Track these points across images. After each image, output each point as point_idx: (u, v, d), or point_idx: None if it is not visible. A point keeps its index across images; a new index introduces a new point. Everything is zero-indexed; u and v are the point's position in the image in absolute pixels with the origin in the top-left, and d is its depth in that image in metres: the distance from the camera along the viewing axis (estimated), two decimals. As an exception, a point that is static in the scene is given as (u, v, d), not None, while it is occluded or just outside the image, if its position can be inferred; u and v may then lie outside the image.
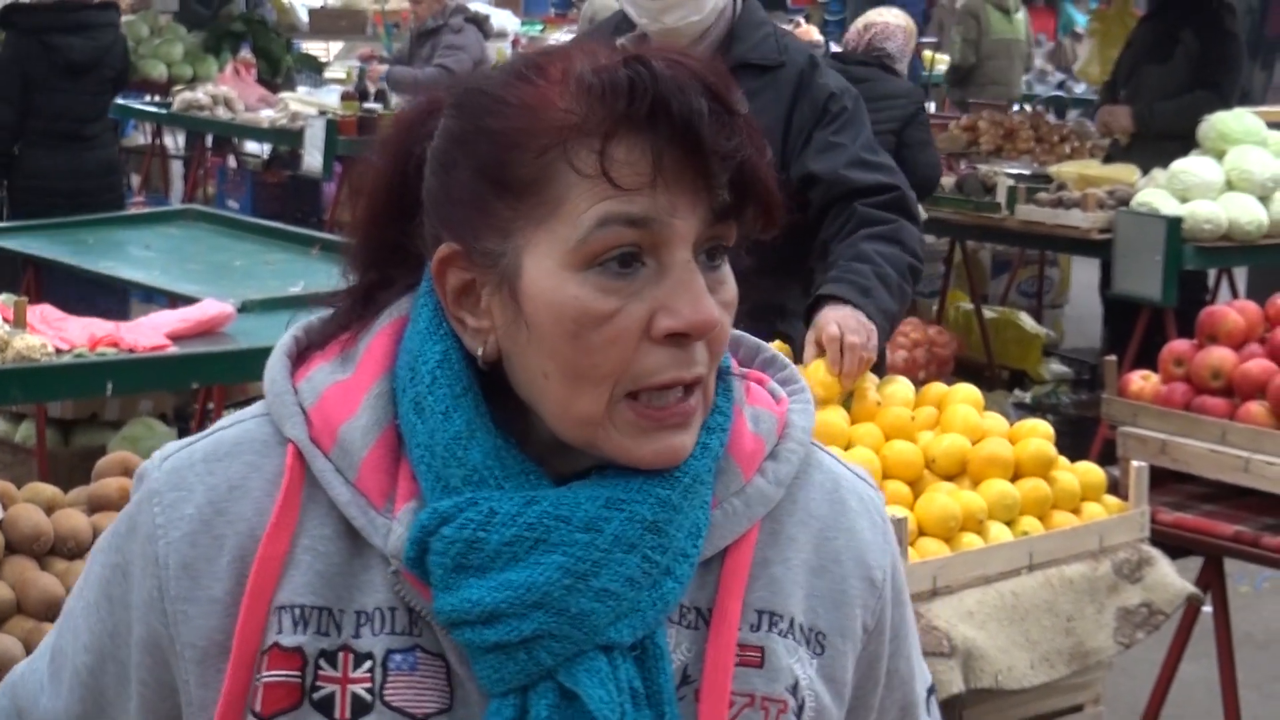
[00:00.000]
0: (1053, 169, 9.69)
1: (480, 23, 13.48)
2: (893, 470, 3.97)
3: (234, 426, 1.69)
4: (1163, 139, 9.50)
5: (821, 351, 4.03)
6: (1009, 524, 3.98)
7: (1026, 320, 10.78)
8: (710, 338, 1.58)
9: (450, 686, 1.61)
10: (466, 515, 1.55)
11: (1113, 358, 5.25)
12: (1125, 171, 9.18)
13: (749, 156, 1.56)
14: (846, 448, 3.95)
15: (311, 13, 19.68)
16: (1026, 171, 9.88)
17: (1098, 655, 3.97)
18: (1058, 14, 24.56)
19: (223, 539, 1.63)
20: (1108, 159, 9.99)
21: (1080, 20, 21.68)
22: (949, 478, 4.03)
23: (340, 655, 1.61)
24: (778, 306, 4.51)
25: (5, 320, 5.67)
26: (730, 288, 1.61)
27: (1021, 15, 15.12)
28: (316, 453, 1.63)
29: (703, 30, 4.42)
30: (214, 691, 1.62)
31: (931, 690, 1.90)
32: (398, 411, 1.63)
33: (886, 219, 4.30)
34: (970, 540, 3.89)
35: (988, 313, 10.62)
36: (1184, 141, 9.07)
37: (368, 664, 1.60)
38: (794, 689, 1.69)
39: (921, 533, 3.86)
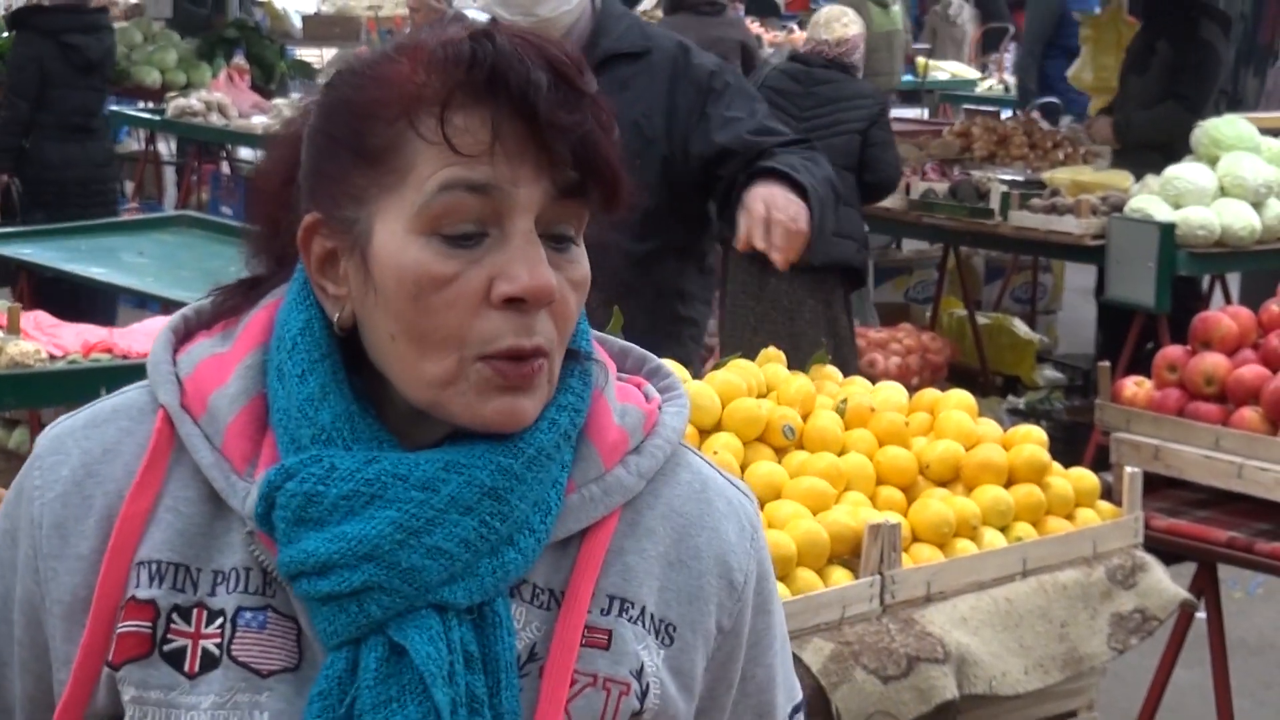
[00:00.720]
0: (1046, 175, 9.70)
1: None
2: (886, 476, 3.97)
3: (117, 396, 1.77)
4: (1143, 149, 9.57)
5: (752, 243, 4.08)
6: (1003, 530, 3.98)
7: (1020, 326, 10.78)
8: (555, 314, 1.64)
9: (300, 647, 1.67)
10: (308, 470, 1.62)
11: (1106, 364, 5.26)
12: (1119, 177, 9.20)
13: (591, 133, 1.61)
14: (840, 453, 3.95)
15: (305, 19, 19.70)
16: (1020, 178, 9.88)
17: (1091, 661, 3.97)
18: (1051, 20, 24.54)
19: (91, 499, 1.70)
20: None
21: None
22: (943, 484, 4.03)
23: (195, 611, 1.67)
24: (677, 290, 4.56)
25: (-1, 326, 5.67)
26: (580, 268, 1.66)
27: (897, 8, 15.93)
28: (185, 417, 1.70)
29: (571, 23, 4.48)
30: (75, 646, 1.68)
31: (799, 708, 1.93)
32: (266, 382, 1.70)
33: (802, 151, 4.35)
34: (964, 546, 3.89)
35: (981, 319, 10.62)
36: (1164, 151, 9.15)
37: (219, 620, 1.66)
38: (639, 674, 1.73)
39: (915, 539, 3.86)
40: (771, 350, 4.34)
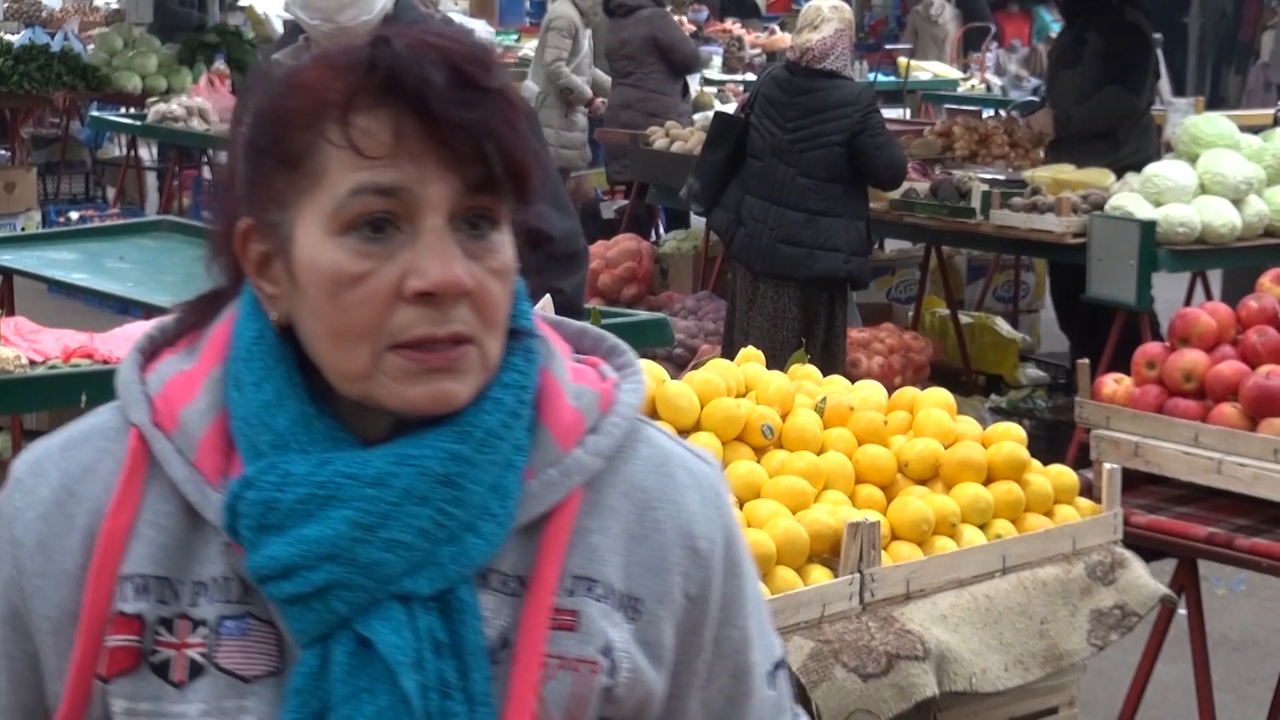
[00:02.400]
0: (1027, 174, 9.70)
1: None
2: (866, 474, 3.98)
3: (90, 418, 1.81)
4: (1087, 139, 9.67)
5: None
6: (982, 527, 3.99)
7: (1002, 325, 10.79)
8: (477, 302, 1.67)
9: (281, 650, 1.71)
10: (265, 478, 1.67)
11: (1085, 361, 5.26)
12: (1099, 175, 9.21)
13: (494, 129, 1.66)
14: (819, 452, 3.96)
15: (286, 24, 19.67)
16: (1001, 176, 9.89)
17: (1072, 657, 3.98)
18: (1032, 19, 24.61)
19: (73, 517, 1.74)
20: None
21: (1054, 26, 21.72)
22: (922, 482, 4.05)
23: (178, 622, 1.71)
24: None
25: (-21, 333, 5.66)
26: (500, 256, 1.70)
27: None
28: (158, 434, 1.74)
29: (370, 30, 4.49)
30: (66, 660, 1.73)
31: (780, 664, 1.95)
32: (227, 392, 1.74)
33: None
34: (943, 544, 3.90)
35: (963, 318, 10.63)
36: (1107, 139, 9.33)
37: (202, 630, 1.71)
38: (607, 651, 1.76)
39: (895, 537, 3.87)
40: (750, 350, 4.35)
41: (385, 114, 1.64)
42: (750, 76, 16.96)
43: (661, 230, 13.70)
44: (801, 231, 8.19)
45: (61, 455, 1.78)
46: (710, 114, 11.29)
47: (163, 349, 1.83)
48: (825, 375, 4.45)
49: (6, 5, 23.45)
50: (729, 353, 7.97)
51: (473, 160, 1.66)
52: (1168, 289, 9.71)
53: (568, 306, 4.17)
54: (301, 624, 1.67)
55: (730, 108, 11.47)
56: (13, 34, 15.36)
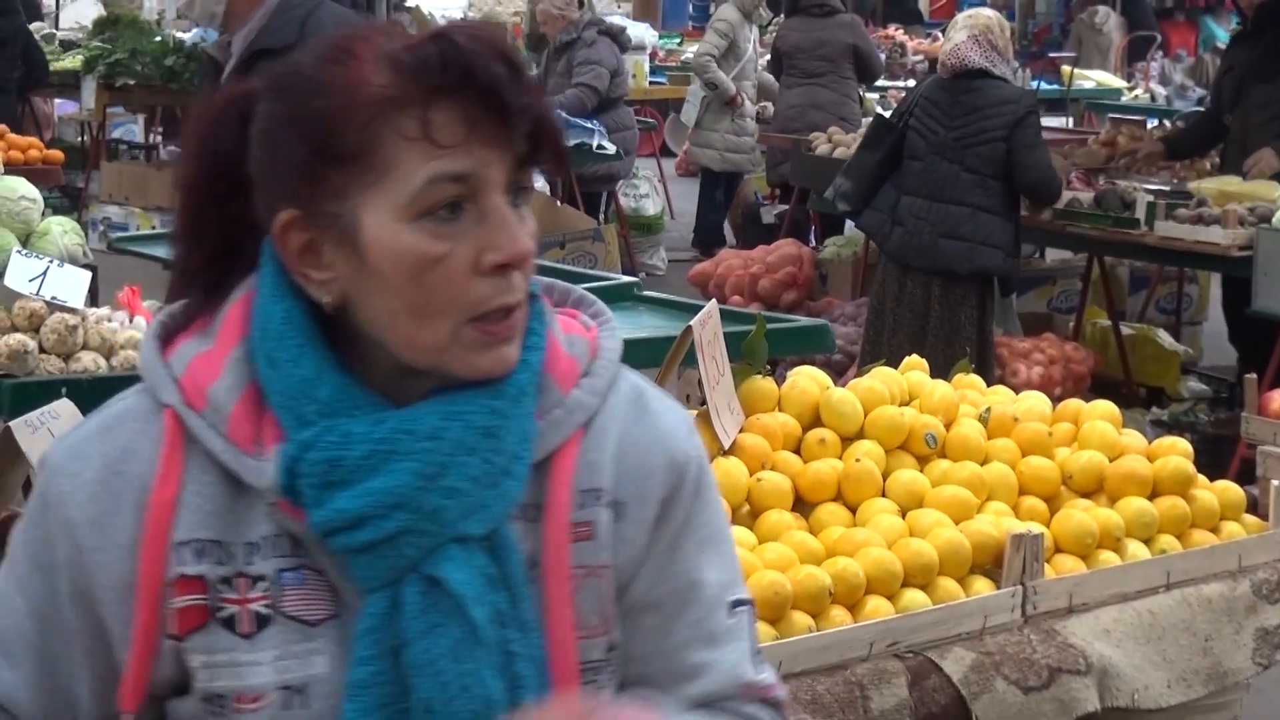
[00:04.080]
0: (1192, 185, 9.59)
1: (615, 35, 13.51)
2: (1029, 486, 3.96)
3: (118, 404, 1.95)
4: None
5: None
6: (1147, 542, 3.96)
7: (1164, 337, 10.67)
8: (525, 267, 1.86)
9: (334, 596, 1.87)
10: (326, 440, 1.82)
11: (1253, 376, 5.20)
12: (1266, 188, 9.07)
13: (541, 111, 1.85)
14: (983, 462, 3.94)
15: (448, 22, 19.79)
16: (1166, 187, 9.79)
17: (1235, 676, 3.94)
18: (1198, 29, 24.33)
19: (120, 494, 1.87)
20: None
21: (1221, 35, 21.47)
22: (1086, 494, 4.02)
23: (236, 580, 1.86)
24: None
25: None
26: (531, 222, 1.88)
27: None
28: (190, 412, 1.88)
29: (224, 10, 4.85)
30: (129, 626, 1.87)
31: (742, 603, 2.05)
32: (256, 370, 1.88)
33: None
34: (1107, 558, 3.87)
35: (1125, 329, 10.52)
36: None
37: (262, 584, 1.86)
38: (612, 553, 1.96)
39: (1058, 549, 3.85)
40: (914, 358, 4.34)
41: (458, 107, 1.79)
42: (912, 83, 16.92)
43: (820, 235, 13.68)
44: (964, 226, 8.23)
45: (100, 439, 1.91)
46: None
47: (176, 334, 1.95)
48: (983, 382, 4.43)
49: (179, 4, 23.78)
50: (874, 350, 7.98)
51: (524, 140, 1.84)
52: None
53: None
54: (370, 570, 1.84)
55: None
56: (184, 32, 15.54)
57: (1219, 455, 8.15)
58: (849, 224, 11.11)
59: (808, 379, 3.98)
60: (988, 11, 9.08)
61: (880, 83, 16.93)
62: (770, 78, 14.03)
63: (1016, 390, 4.45)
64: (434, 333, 1.83)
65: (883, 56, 19.45)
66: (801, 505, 3.77)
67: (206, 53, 4.79)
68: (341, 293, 1.86)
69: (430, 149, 1.79)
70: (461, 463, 1.84)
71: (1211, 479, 4.22)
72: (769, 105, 13.97)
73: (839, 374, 6.99)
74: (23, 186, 6.60)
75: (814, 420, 3.92)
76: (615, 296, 5.76)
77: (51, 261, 5.26)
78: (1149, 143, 10.52)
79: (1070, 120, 17.18)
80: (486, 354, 1.85)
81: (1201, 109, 12.57)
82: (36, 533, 1.92)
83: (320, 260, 1.86)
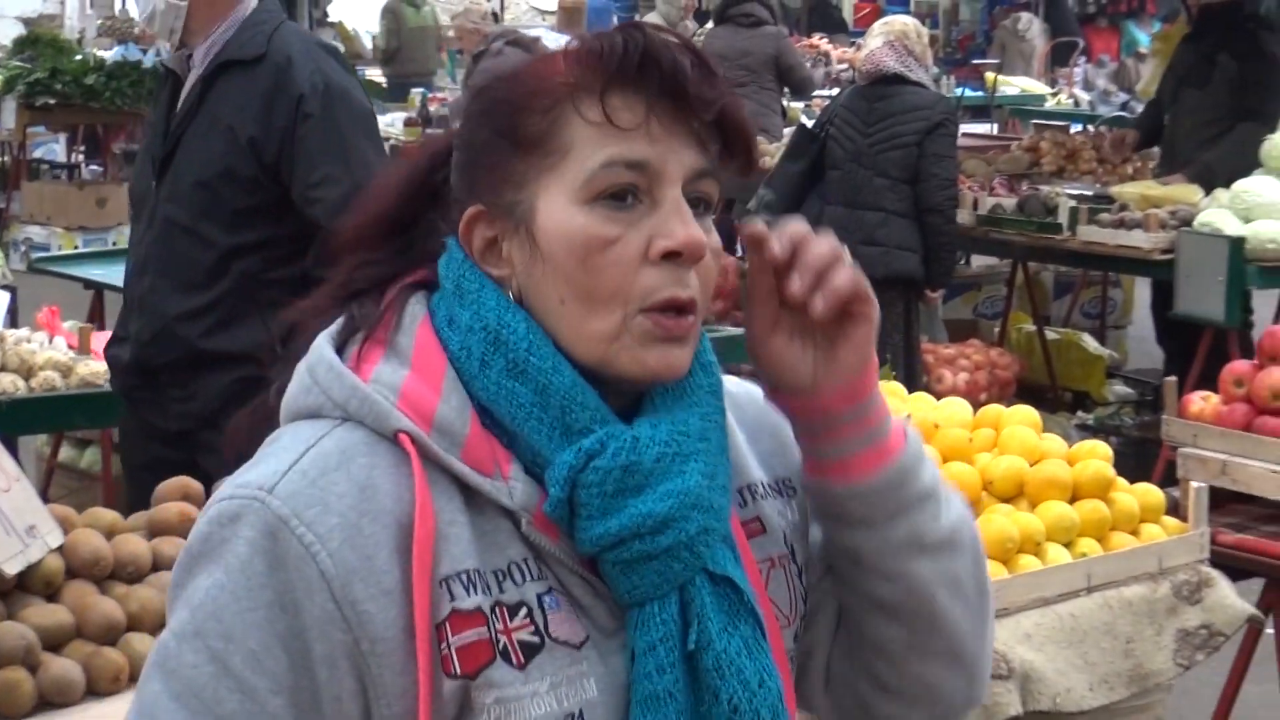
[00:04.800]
0: (1115, 189, 9.65)
1: (525, 46, 13.45)
2: (950, 492, 3.97)
3: (323, 440, 1.78)
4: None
5: None
6: (1067, 545, 3.98)
7: (1089, 341, 10.73)
8: (701, 270, 1.80)
9: (583, 615, 1.81)
10: (615, 445, 1.76)
11: (1173, 379, 5.24)
12: (1187, 192, 9.14)
13: (728, 105, 1.80)
14: (903, 470, 3.94)
15: (374, 38, 19.80)
16: (1089, 192, 9.84)
17: (1157, 677, 3.96)
18: (1120, 34, 24.47)
19: (375, 536, 1.74)
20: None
21: (1143, 40, 21.59)
22: (1007, 499, 4.03)
23: (497, 610, 1.77)
24: (262, 280, 4.61)
25: (70, 347, 5.72)
26: (714, 237, 1.82)
27: (428, 8, 19.13)
28: (426, 437, 1.77)
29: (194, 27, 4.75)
30: (410, 676, 1.73)
31: None
32: (473, 389, 1.80)
33: None
34: (1028, 562, 3.89)
35: (1050, 334, 10.58)
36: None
37: (523, 611, 1.78)
38: (785, 540, 1.98)
39: (979, 555, 3.85)
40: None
41: (639, 93, 1.77)
42: (837, 91, 16.97)
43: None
44: (878, 231, 8.24)
45: (328, 482, 1.75)
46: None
47: (358, 363, 1.83)
48: (904, 389, 4.45)
49: (100, 22, 23.69)
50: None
51: (710, 136, 1.80)
52: (1257, 306, 9.62)
53: None
54: (657, 577, 1.79)
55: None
56: (106, 50, 15.48)
57: (1144, 458, 8.20)
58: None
59: (728, 389, 3.98)
60: (904, 18, 9.19)
61: (803, 91, 16.99)
62: None
63: (940, 397, 4.46)
64: (604, 321, 1.77)
65: (809, 66, 19.56)
66: (723, 515, 3.76)
67: (164, 66, 4.83)
68: (518, 287, 1.82)
69: (610, 132, 1.77)
70: (721, 462, 1.83)
71: (1137, 482, 4.24)
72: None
73: (764, 383, 6.99)
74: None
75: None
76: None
77: (-30, 283, 5.23)
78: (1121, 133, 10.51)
79: (994, 127, 17.22)
80: (655, 350, 1.78)
81: (1127, 114, 12.60)
82: (268, 595, 1.72)
83: (499, 257, 1.83)
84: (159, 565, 3.42)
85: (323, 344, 1.84)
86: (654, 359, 1.78)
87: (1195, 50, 9.98)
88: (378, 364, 1.81)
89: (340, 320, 1.87)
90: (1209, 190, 9.05)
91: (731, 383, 1.98)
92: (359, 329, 1.85)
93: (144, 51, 17.12)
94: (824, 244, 1.84)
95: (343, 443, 1.77)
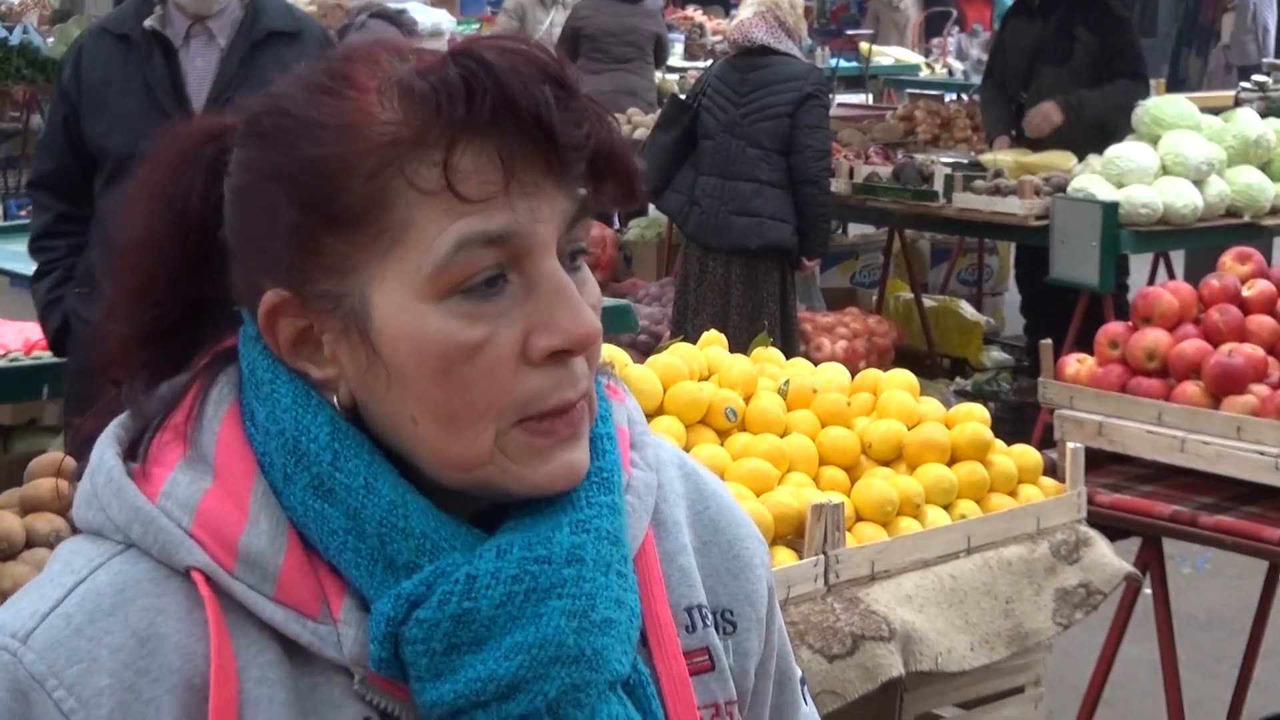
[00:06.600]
0: (987, 157, 9.72)
1: (391, 17, 13.34)
2: (829, 456, 3.98)
3: (96, 573, 1.41)
4: (1088, 129, 9.50)
5: None
6: (946, 508, 3.99)
7: (966, 308, 10.82)
8: (592, 348, 1.44)
9: None
10: (442, 589, 1.38)
11: (1048, 342, 5.26)
12: (1061, 158, 9.22)
13: (601, 138, 1.40)
14: (783, 434, 3.95)
15: None
16: (963, 160, 9.90)
17: (1037, 637, 3.99)
18: (993, 4, 24.63)
19: (155, 700, 1.37)
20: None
21: (1015, 10, 21.74)
22: (885, 463, 4.04)
23: None
24: None
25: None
26: (594, 287, 1.45)
27: None
28: (226, 576, 1.40)
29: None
30: None
31: (804, 681, 1.78)
32: (285, 506, 1.42)
33: None
34: (908, 525, 3.90)
35: (928, 301, 10.65)
36: (1102, 130, 9.21)
37: None
38: (736, 680, 1.61)
39: (859, 518, 3.87)
40: (712, 333, 4.35)
41: (492, 147, 1.36)
42: (710, 63, 16.99)
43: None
44: (752, 201, 8.25)
45: (100, 629, 1.38)
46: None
47: (146, 467, 1.45)
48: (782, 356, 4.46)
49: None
50: (679, 331, 7.99)
51: (580, 180, 1.41)
52: (1130, 270, 9.72)
53: None
54: None
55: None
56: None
57: (1022, 423, 8.30)
58: (652, 205, 11.14)
59: (607, 358, 3.97)
60: None
61: (679, 63, 16.99)
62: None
63: (819, 364, 4.47)
64: (471, 444, 1.39)
65: (680, 37, 19.57)
66: (603, 483, 3.75)
67: (150, 29, 4.66)
68: (349, 393, 1.42)
69: (457, 204, 1.35)
70: (604, 585, 1.41)
71: (1014, 445, 4.27)
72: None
73: (645, 354, 6.98)
74: None
75: (614, 398, 3.90)
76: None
77: None
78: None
79: (869, 97, 17.31)
80: (544, 464, 1.41)
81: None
82: None
83: (319, 352, 1.42)
84: (33, 542, 3.38)
85: (106, 443, 1.47)
86: (546, 475, 1.41)
87: (1045, 27, 9.97)
88: (173, 470, 1.43)
89: (132, 415, 1.49)
90: (1072, 129, 9.18)
91: (681, 467, 1.65)
92: (150, 418, 1.48)
93: (10, 29, 16.92)
94: None
95: (121, 578, 1.40)
